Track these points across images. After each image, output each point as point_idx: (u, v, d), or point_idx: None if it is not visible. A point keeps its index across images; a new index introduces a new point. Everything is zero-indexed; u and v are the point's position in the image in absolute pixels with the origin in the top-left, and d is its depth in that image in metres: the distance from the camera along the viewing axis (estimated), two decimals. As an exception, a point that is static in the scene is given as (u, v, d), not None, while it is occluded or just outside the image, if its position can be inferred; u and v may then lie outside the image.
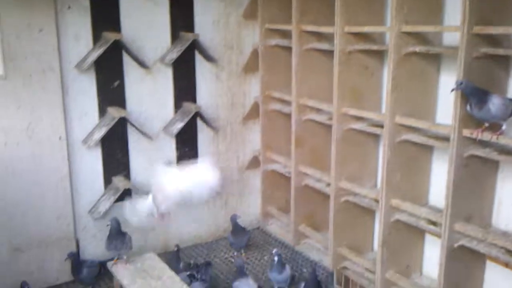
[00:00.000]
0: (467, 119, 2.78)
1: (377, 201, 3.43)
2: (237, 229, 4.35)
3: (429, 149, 3.36)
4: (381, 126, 3.29)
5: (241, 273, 3.69)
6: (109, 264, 3.72)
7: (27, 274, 3.76)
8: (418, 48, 3.05)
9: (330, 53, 3.65)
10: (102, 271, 3.89)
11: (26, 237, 3.78)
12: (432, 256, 3.47)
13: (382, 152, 3.29)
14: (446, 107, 2.98)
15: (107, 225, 3.61)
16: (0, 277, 3.70)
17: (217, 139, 4.59)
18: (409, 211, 3.26)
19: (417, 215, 3.22)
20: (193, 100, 4.37)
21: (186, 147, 4.45)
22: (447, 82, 3.17)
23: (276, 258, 3.77)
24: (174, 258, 3.94)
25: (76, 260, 3.79)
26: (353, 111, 3.48)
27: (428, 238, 3.53)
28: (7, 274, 3.71)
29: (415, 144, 3.22)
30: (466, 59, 2.68)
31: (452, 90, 2.74)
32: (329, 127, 3.71)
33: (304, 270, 4.26)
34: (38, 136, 3.68)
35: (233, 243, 4.44)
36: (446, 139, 2.95)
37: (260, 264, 4.37)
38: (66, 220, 3.93)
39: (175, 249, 3.96)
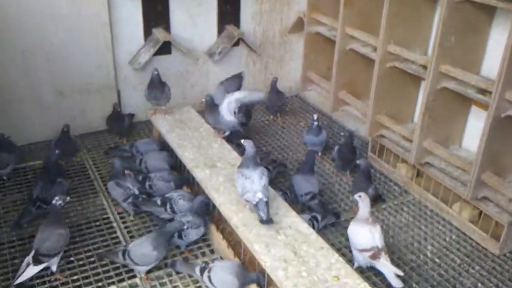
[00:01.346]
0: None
1: (425, 67, 3.25)
2: (274, 92, 4.30)
3: (490, 11, 3.07)
4: (441, -15, 3.00)
5: None
6: (148, 113, 3.81)
7: (70, 118, 3.90)
8: None
9: None
10: (132, 122, 4.07)
11: (68, 82, 3.87)
12: (474, 129, 3.35)
13: (439, 13, 3.03)
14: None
15: (155, 73, 3.60)
16: (46, 118, 3.87)
17: (261, -3, 4.37)
18: (458, 78, 3.08)
19: (466, 83, 3.04)
20: (239, -48, 4.08)
21: (229, 4, 4.25)
22: None
23: (315, 123, 3.76)
24: None
25: (115, 111, 3.90)
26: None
27: (474, 110, 3.39)
28: (52, 116, 3.87)
29: (475, 4, 2.93)
30: None
31: None
32: (383, -15, 3.42)
33: (342, 133, 4.25)
34: (77, -22, 3.58)
35: (268, 106, 4.42)
36: (512, -1, 2.67)
37: (295, 129, 4.39)
38: (106, 69, 3.96)
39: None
